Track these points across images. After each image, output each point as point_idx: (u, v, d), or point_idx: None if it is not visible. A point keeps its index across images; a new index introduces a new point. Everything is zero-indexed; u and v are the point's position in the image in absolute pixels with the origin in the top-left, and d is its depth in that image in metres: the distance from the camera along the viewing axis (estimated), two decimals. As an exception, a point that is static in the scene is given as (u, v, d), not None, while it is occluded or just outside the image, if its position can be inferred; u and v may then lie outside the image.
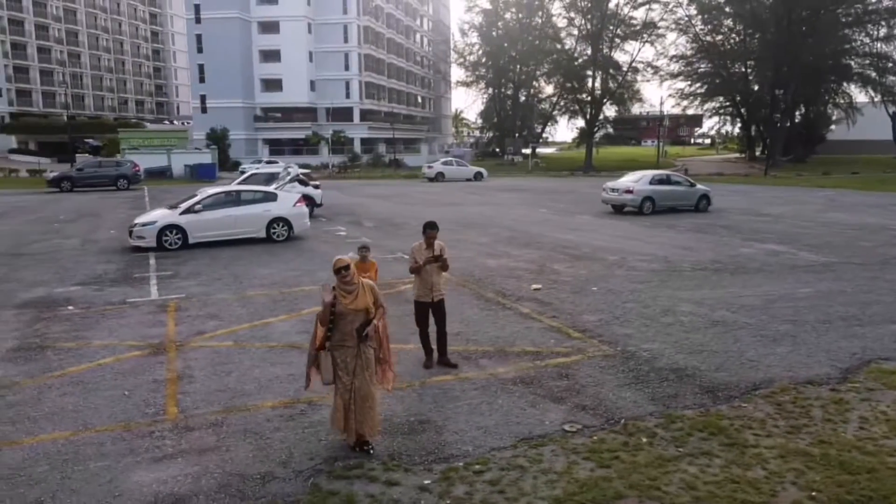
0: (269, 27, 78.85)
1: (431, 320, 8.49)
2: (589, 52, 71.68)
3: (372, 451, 6.11)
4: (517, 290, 12.46)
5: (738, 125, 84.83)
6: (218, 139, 66.92)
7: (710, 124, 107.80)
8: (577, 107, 76.25)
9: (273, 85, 79.90)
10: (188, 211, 17.04)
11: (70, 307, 11.43)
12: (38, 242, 18.63)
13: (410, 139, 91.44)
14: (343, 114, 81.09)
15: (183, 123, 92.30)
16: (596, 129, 74.99)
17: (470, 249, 17.06)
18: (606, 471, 5.81)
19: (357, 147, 78.16)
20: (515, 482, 5.62)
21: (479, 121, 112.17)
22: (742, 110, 77.31)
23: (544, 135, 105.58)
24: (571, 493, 5.44)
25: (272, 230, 17.84)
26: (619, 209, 25.63)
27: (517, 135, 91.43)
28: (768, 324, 10.17)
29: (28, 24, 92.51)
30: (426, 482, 5.62)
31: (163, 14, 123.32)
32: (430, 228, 8.33)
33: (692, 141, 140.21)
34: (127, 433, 6.53)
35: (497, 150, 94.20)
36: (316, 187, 24.18)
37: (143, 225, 16.84)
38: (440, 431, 6.59)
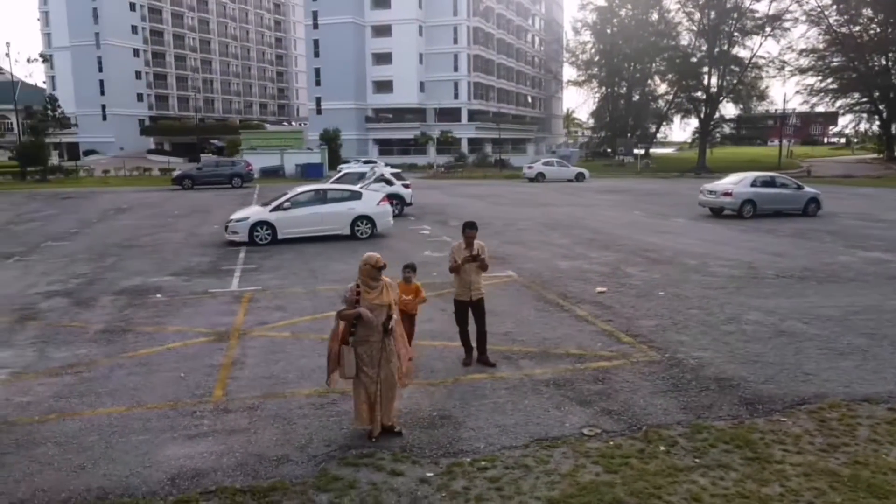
0: (382, 31, 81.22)
1: (472, 319, 8.60)
2: (705, 47, 68.63)
3: (402, 433, 6.44)
4: (581, 293, 12.31)
5: (877, 123, 78.39)
6: (330, 139, 69.65)
7: (844, 122, 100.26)
8: (690, 105, 73.22)
9: (384, 87, 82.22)
10: (278, 208, 18.03)
11: (158, 295, 12.45)
12: (149, 235, 20.31)
13: (518, 139, 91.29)
14: (451, 114, 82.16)
15: (301, 125, 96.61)
16: (711, 128, 71.64)
17: (547, 251, 16.97)
18: (612, 476, 5.75)
19: (464, 147, 78.88)
20: (516, 481, 5.67)
21: (592, 120, 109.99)
22: (881, 107, 71.40)
23: (659, 134, 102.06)
24: (568, 496, 5.43)
25: (356, 228, 18.50)
26: (717, 213, 24.55)
27: (629, 135, 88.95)
28: (840, 336, 9.53)
29: (167, 34, 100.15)
30: (428, 475, 5.79)
31: (286, 21, 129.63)
32: (469, 228, 8.46)
33: (825, 140, 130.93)
34: (172, 411, 7.12)
35: (609, 150, 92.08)
36: (406, 186, 24.77)
37: (237, 221, 17.98)
38: (458, 427, 6.72)
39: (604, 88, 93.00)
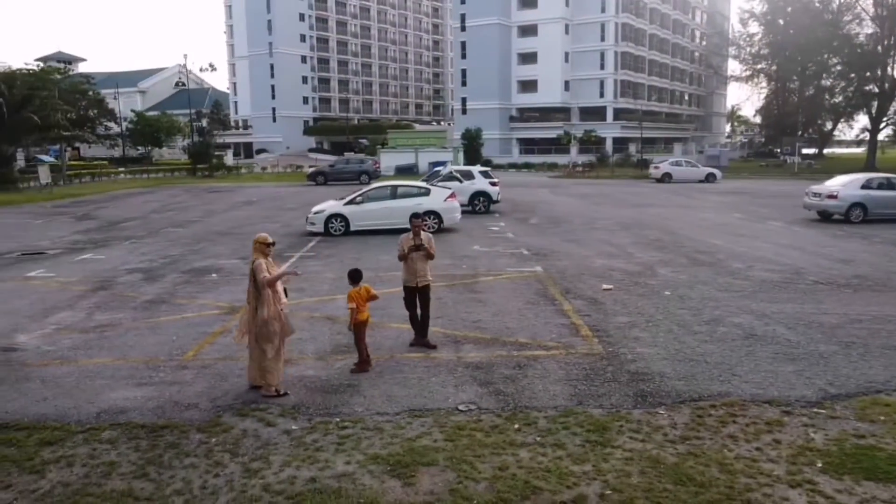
0: (528, 31, 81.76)
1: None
2: (883, 39, 62.03)
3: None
4: (586, 290, 12.51)
5: None
6: (471, 139, 71.50)
7: None
8: (861, 101, 66.45)
9: (528, 86, 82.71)
10: (351, 202, 19.58)
11: (213, 275, 14.32)
12: (250, 225, 22.76)
13: (670, 138, 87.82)
14: (596, 113, 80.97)
15: (449, 124, 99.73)
16: (883, 125, 64.71)
17: (595, 249, 17.06)
18: (447, 443, 6.34)
19: (609, 146, 77.42)
20: (361, 440, 6.44)
21: (759, 118, 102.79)
22: None
23: (837, 133, 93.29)
24: (393, 454, 6.13)
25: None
26: (826, 217, 22.82)
27: (800, 132, 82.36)
28: (812, 343, 9.15)
29: (331, 41, 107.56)
30: (293, 427, 6.73)
31: (444, 24, 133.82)
32: (415, 218, 9.25)
33: None
34: (143, 365, 8.61)
35: (777, 150, 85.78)
36: (493, 184, 25.46)
37: (315, 213, 19.76)
38: (354, 395, 7.58)
39: (772, 83, 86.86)
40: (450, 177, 24.70)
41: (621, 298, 11.82)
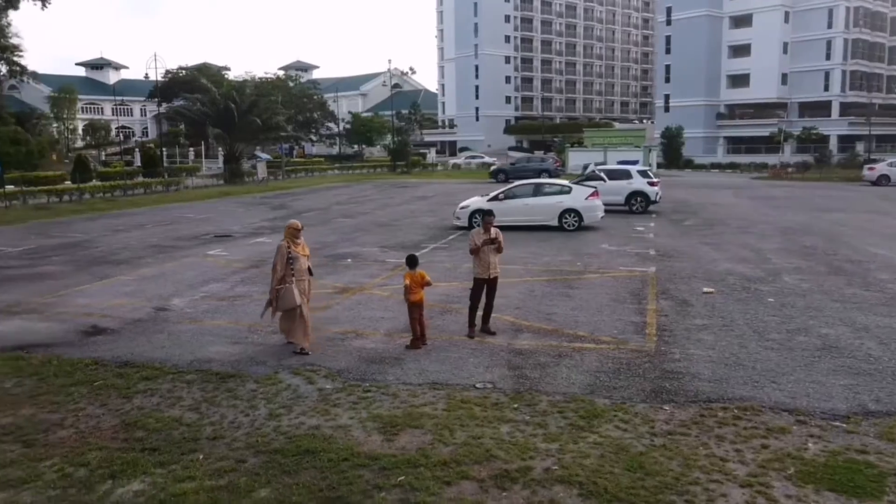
0: (741, 21, 76.51)
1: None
2: None
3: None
4: (683, 292, 12.27)
5: None
6: (671, 137, 68.76)
7: None
8: None
9: (740, 81, 77.39)
10: (494, 199, 20.45)
11: (349, 260, 16.06)
12: (411, 218, 24.65)
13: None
14: (819, 108, 73.57)
15: (651, 122, 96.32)
16: None
17: (729, 253, 16.40)
18: (444, 412, 7.08)
19: (833, 145, 69.99)
20: (373, 401, 7.39)
21: None
22: None
23: None
24: (393, 415, 7.00)
25: (563, 220, 19.92)
26: None
27: None
28: (893, 360, 8.41)
29: (535, 41, 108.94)
30: (327, 387, 7.86)
31: (654, 19, 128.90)
32: (488, 215, 9.93)
33: None
34: (245, 329, 10.28)
35: None
36: (651, 184, 24.81)
37: (461, 209, 20.93)
38: (394, 366, 8.54)
39: None
40: (592, 176, 24.57)
41: (716, 302, 11.48)
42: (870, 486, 5.51)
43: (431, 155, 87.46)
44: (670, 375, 8.06)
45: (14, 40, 59.27)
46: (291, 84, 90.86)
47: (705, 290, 12.31)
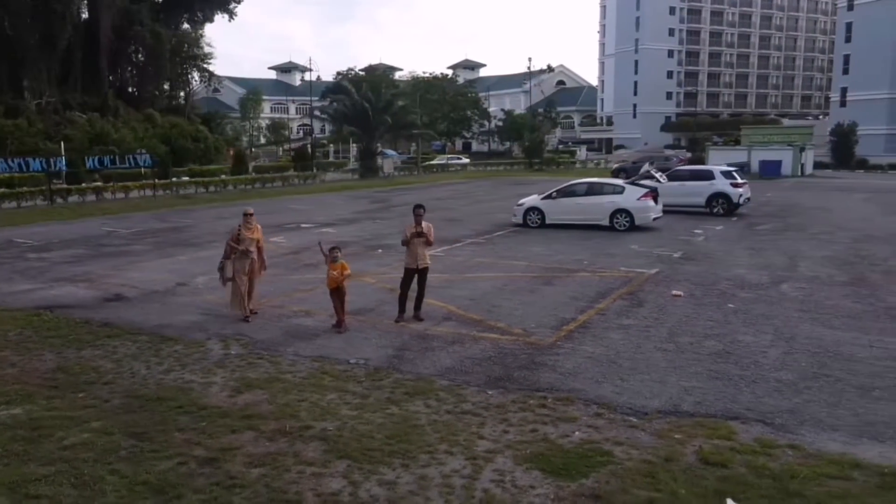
0: (938, 3, 67.49)
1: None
2: None
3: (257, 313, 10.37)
4: (655, 295, 12.19)
5: None
6: (842, 135, 62.54)
7: None
8: None
9: (935, 70, 68.42)
10: (548, 197, 20.77)
11: (380, 250, 17.39)
12: (486, 214, 25.40)
13: None
14: None
15: (819, 118, 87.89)
16: None
17: (762, 258, 15.72)
18: (299, 380, 8.12)
19: None
20: (255, 367, 8.62)
21: None
22: None
23: None
24: (254, 379, 8.19)
25: (615, 220, 19.79)
26: None
27: None
28: (776, 369, 8.19)
29: (703, 33, 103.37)
30: (231, 352, 9.21)
31: (835, 4, 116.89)
32: (418, 209, 10.76)
33: None
34: (222, 303, 11.91)
35: None
36: (736, 185, 23.45)
37: (518, 206, 21.45)
38: (304, 342, 9.70)
39: None
40: (646, 175, 23.70)
41: (671, 305, 11.40)
42: (580, 470, 5.85)
43: (582, 153, 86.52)
44: (532, 366, 8.49)
45: (206, 49, 67.64)
46: (458, 81, 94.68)
47: (674, 292, 12.15)
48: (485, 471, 5.87)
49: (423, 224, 10.66)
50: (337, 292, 10.30)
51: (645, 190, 20.03)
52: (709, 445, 6.28)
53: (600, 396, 7.49)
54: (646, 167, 26.50)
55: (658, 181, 22.72)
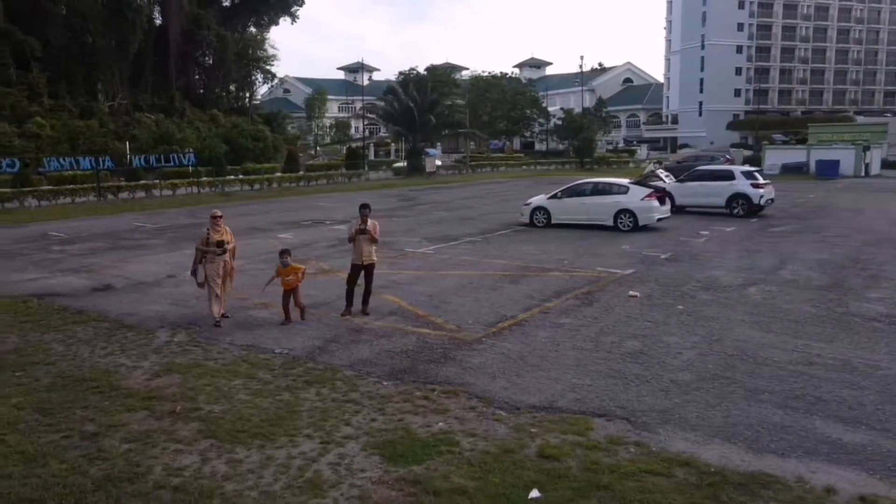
0: None
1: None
2: None
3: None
4: (612, 295, 12.19)
5: None
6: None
7: None
8: None
9: None
10: (553, 197, 20.76)
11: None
12: (496, 214, 25.51)
13: None
14: None
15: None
16: None
17: (755, 260, 15.51)
18: (218, 367, 8.68)
19: None
20: (187, 353, 9.23)
21: None
22: None
23: None
24: (178, 364, 8.78)
25: (619, 220, 19.62)
26: None
27: None
28: (675, 371, 8.19)
29: (775, 27, 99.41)
30: (174, 341, 9.85)
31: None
32: (363, 208, 11.16)
33: None
34: (200, 295, 12.64)
35: None
36: (757, 185, 22.70)
37: (525, 205, 21.52)
38: (245, 332, 10.26)
39: None
40: (651, 175, 23.14)
41: (619, 305, 11.40)
42: (417, 457, 6.12)
43: (642, 152, 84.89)
44: (441, 360, 8.77)
45: (270, 51, 70.16)
46: (521, 80, 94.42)
47: (631, 293, 12.11)
48: (329, 454, 6.22)
49: (369, 222, 11.04)
50: (287, 291, 10.78)
51: (649, 190, 19.76)
52: (557, 440, 6.44)
53: (486, 391, 7.70)
54: (650, 167, 25.98)
55: (663, 182, 22.28)
